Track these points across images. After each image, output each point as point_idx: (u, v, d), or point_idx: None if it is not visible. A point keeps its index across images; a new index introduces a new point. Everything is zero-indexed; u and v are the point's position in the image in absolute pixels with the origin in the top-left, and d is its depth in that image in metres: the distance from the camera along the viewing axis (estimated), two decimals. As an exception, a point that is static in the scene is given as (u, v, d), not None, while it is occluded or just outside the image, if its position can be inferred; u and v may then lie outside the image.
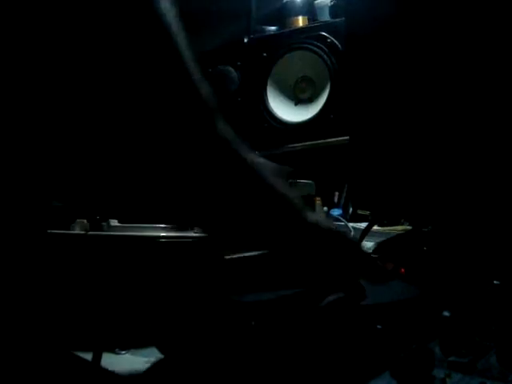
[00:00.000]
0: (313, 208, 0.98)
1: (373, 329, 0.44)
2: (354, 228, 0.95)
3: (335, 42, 1.26)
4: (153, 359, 0.46)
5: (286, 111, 1.34)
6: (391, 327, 0.44)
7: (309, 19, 1.40)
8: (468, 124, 0.71)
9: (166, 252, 0.54)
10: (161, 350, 0.44)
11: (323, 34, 1.28)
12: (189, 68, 0.43)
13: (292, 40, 1.33)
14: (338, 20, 1.27)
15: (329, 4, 1.38)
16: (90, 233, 0.57)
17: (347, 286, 0.47)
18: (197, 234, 0.58)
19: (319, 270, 0.46)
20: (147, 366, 0.46)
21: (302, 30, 1.35)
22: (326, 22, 1.33)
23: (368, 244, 0.79)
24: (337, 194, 1.18)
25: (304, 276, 0.47)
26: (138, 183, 0.41)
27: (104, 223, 0.59)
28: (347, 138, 1.07)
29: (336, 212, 1.10)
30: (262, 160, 0.48)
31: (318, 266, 0.46)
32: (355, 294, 0.46)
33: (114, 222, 0.59)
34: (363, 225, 0.90)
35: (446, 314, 0.43)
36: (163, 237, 0.56)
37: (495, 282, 0.50)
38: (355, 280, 0.47)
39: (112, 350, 0.49)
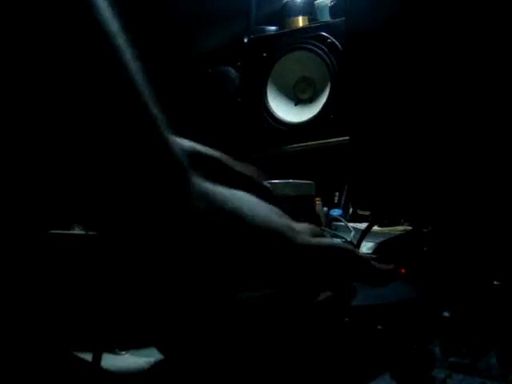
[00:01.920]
0: (313, 208, 0.98)
1: (373, 329, 0.44)
2: (354, 228, 0.95)
3: (335, 42, 1.26)
4: (153, 359, 0.46)
5: (286, 111, 1.35)
6: (391, 327, 0.44)
7: (309, 19, 1.41)
8: (468, 125, 0.71)
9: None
10: (161, 350, 0.44)
11: (323, 34, 1.28)
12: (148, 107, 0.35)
13: (292, 40, 1.33)
14: (337, 20, 1.28)
15: (329, 4, 1.38)
16: (90, 233, 0.57)
17: (336, 286, 0.45)
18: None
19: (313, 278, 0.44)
20: (147, 366, 0.46)
21: (302, 29, 1.35)
22: (326, 22, 1.33)
23: (368, 244, 0.79)
24: (337, 194, 1.18)
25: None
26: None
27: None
28: (347, 137, 1.07)
29: (336, 212, 1.10)
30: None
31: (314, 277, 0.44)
32: (344, 294, 0.45)
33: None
34: (363, 225, 0.90)
35: (446, 314, 0.43)
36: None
37: (495, 282, 0.50)
38: (346, 281, 0.46)
39: (112, 351, 0.49)
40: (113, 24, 0.34)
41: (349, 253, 0.44)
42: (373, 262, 0.47)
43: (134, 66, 0.35)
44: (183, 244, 0.37)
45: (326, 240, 0.44)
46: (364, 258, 0.46)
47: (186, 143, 0.47)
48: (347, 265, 0.44)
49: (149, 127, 0.35)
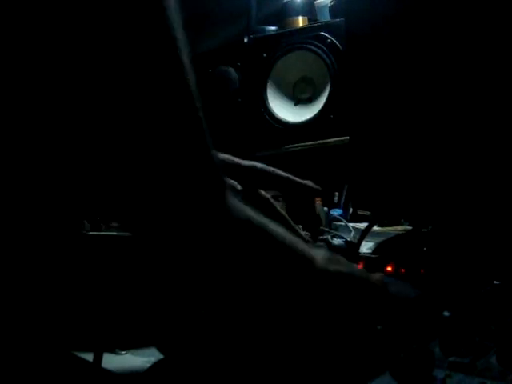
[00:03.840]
0: (313, 208, 0.98)
1: (373, 329, 0.44)
2: (354, 228, 0.95)
3: (335, 42, 1.26)
4: (153, 359, 0.46)
5: (286, 111, 1.34)
6: (391, 327, 0.44)
7: (309, 19, 1.41)
8: (468, 124, 0.71)
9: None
10: (161, 350, 0.44)
11: (323, 34, 1.28)
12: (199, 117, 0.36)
13: (292, 40, 1.33)
14: (337, 20, 1.27)
15: (329, 4, 1.38)
16: (90, 233, 0.57)
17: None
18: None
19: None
20: (147, 366, 0.46)
21: (302, 29, 1.35)
22: (326, 22, 1.33)
23: (368, 244, 0.79)
24: (337, 194, 1.18)
25: None
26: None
27: (103, 223, 0.59)
28: (347, 138, 1.07)
29: (336, 212, 1.10)
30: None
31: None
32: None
33: (114, 222, 0.59)
34: (363, 225, 0.90)
35: (446, 314, 0.43)
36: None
37: (495, 281, 0.50)
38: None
39: (112, 350, 0.49)
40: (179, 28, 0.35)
41: (364, 282, 0.44)
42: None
43: (191, 74, 0.36)
44: (216, 249, 0.37)
45: (344, 268, 0.44)
46: (379, 287, 0.45)
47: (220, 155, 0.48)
48: (362, 294, 0.44)
49: (199, 138, 0.36)
